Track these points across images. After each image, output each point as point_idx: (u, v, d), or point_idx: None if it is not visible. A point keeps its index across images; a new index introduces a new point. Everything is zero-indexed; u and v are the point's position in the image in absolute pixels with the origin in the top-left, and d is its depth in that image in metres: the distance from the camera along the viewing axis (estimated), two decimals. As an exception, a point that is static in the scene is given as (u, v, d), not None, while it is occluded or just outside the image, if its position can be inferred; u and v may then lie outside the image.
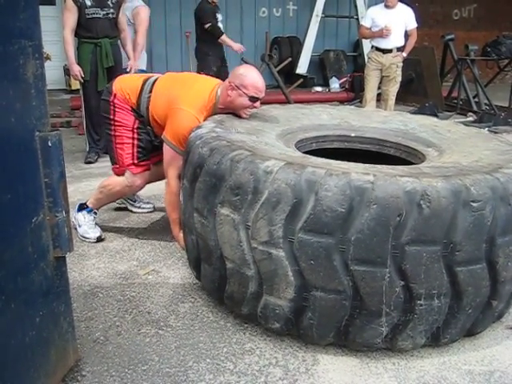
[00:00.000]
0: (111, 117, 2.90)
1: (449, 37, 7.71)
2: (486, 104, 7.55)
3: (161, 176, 3.07)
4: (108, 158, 4.82)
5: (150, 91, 2.83)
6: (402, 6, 5.66)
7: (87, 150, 4.89)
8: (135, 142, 2.91)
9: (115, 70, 4.69)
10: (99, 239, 3.02)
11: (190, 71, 6.65)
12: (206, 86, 2.77)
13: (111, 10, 4.59)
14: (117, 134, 2.92)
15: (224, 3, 8.86)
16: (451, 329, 1.99)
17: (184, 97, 2.69)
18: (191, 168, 2.23)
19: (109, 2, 4.58)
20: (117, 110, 2.89)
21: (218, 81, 2.86)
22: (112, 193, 3.04)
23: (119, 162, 2.96)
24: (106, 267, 2.71)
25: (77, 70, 4.54)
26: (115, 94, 2.89)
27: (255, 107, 2.72)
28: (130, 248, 2.95)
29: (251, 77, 2.66)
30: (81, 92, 4.83)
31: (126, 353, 2.02)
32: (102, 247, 2.95)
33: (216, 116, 2.66)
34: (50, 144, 1.60)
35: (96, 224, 3.10)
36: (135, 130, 2.90)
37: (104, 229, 3.15)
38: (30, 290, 1.60)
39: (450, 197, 1.77)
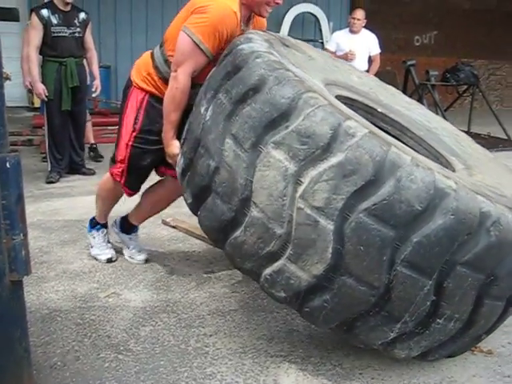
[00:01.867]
0: (121, 118, 2.67)
1: (410, 62, 7.91)
2: (446, 128, 7.75)
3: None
4: (69, 178, 4.83)
5: (161, 46, 2.52)
6: (366, 32, 5.80)
7: (49, 169, 4.81)
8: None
9: (80, 89, 4.67)
10: (109, 261, 2.96)
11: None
12: None
13: (77, 29, 4.59)
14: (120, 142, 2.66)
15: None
16: (443, 350, 1.97)
17: None
18: (242, 87, 1.87)
19: (75, 21, 4.58)
20: (126, 110, 2.61)
21: None
22: (106, 191, 2.85)
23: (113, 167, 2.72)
24: (65, 290, 2.65)
25: (41, 88, 4.50)
26: (133, 88, 2.59)
27: (277, 3, 2.37)
28: (90, 270, 2.90)
29: None
30: (44, 111, 4.77)
31: (85, 378, 1.98)
32: (62, 269, 2.88)
33: (261, 32, 2.28)
34: (8, 166, 1.57)
35: (108, 242, 3.03)
36: (129, 148, 2.61)
37: (63, 250, 3.09)
38: (-17, 315, 1.55)
39: None
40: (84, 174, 4.95)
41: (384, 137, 1.76)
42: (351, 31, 5.75)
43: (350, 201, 1.64)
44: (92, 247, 3.01)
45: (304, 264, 1.74)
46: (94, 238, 2.99)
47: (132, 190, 2.75)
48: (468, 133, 7.91)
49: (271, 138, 1.76)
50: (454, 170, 2.20)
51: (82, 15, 4.66)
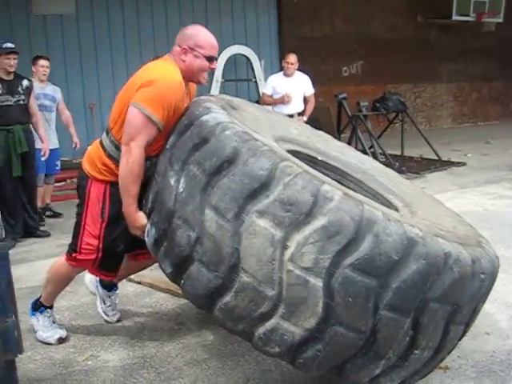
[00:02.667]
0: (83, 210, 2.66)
1: (341, 96, 8.36)
2: (380, 154, 8.19)
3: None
4: (25, 243, 4.85)
5: (108, 133, 2.57)
6: (299, 74, 6.16)
7: (3, 236, 4.80)
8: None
9: (29, 155, 4.76)
10: (60, 341, 2.86)
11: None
12: (161, 62, 2.50)
13: (22, 97, 4.72)
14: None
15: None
16: (417, 375, 2.18)
17: (151, 71, 2.43)
18: (216, 159, 2.00)
19: (19, 89, 4.70)
20: (89, 202, 2.62)
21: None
22: (60, 275, 2.81)
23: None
24: (42, 358, 2.73)
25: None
26: (91, 181, 2.61)
27: (213, 68, 2.52)
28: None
29: (204, 35, 2.49)
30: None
31: None
32: (35, 338, 2.93)
33: (213, 98, 2.42)
34: (-3, 256, 1.71)
35: (54, 323, 2.92)
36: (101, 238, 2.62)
37: (34, 318, 3.14)
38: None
39: (472, 265, 1.97)
40: (39, 236, 4.99)
41: (355, 196, 1.98)
42: (285, 75, 6.10)
43: (336, 258, 1.83)
44: (36, 332, 2.89)
45: (297, 320, 1.90)
46: (39, 321, 2.88)
47: (110, 272, 2.80)
48: (402, 157, 8.41)
49: (253, 207, 1.91)
50: (396, 209, 2.44)
51: (25, 82, 4.78)
